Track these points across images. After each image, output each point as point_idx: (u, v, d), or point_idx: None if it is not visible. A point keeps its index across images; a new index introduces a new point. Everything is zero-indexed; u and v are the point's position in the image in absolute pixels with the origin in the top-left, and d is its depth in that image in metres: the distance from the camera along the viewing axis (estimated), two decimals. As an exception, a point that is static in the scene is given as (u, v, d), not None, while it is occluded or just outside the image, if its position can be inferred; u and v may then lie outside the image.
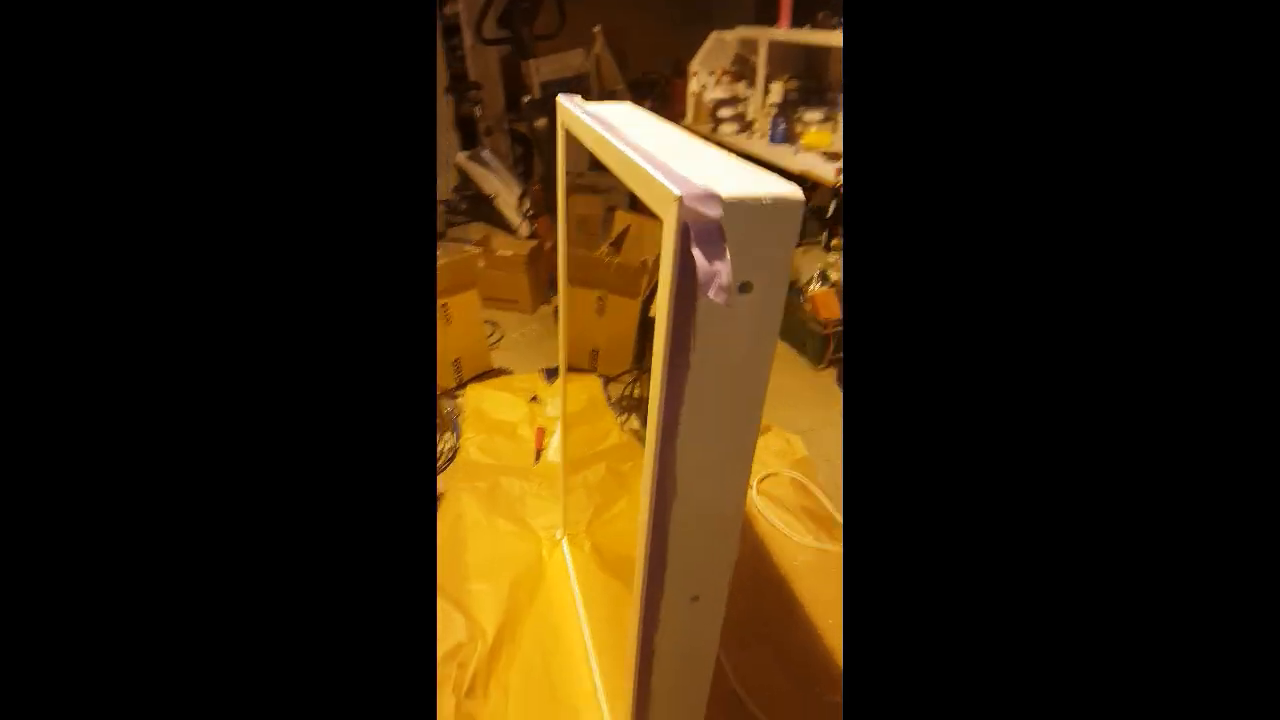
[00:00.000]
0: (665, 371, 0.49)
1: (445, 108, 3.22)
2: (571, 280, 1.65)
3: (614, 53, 3.55)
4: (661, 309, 0.48)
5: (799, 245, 2.29)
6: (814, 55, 2.50)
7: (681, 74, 2.82)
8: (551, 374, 1.78)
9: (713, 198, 0.42)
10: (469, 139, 3.28)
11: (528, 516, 1.28)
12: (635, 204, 2.19)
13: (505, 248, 2.23)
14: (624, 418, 1.63)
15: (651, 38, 3.55)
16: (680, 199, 0.42)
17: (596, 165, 2.46)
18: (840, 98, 2.31)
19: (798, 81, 2.43)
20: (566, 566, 1.17)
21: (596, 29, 3.27)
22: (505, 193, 2.90)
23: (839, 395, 1.75)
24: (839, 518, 1.32)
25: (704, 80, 2.71)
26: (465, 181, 3.14)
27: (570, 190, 2.61)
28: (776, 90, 2.45)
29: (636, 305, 1.77)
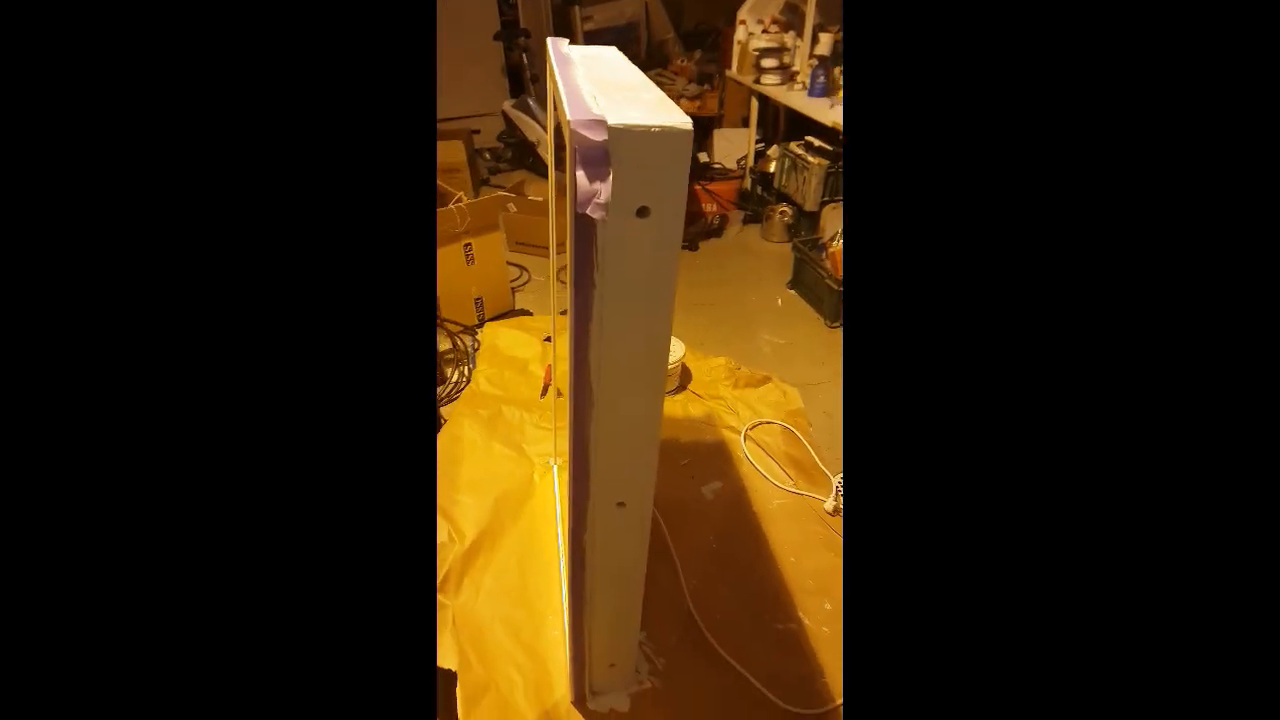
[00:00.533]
0: (573, 290, 0.54)
1: (494, 54, 3.26)
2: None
3: (668, 4, 3.47)
4: (568, 233, 0.53)
5: (827, 203, 2.25)
6: (866, 3, 2.38)
7: (733, 24, 2.75)
8: (569, 318, 1.86)
9: (598, 123, 0.46)
10: (517, 86, 3.32)
11: (524, 443, 1.38)
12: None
13: (538, 193, 2.29)
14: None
15: (707, -13, 3.45)
16: (570, 124, 0.46)
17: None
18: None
19: (846, 32, 2.33)
20: (554, 490, 1.26)
21: (647, -25, 3.20)
22: (548, 139, 2.94)
23: (848, 354, 1.75)
24: (824, 467, 1.35)
25: (751, 29, 2.64)
26: (511, 128, 3.20)
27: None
28: (825, 42, 2.36)
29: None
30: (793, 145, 2.42)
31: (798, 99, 2.30)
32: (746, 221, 2.72)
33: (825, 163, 2.24)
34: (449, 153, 2.45)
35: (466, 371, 1.64)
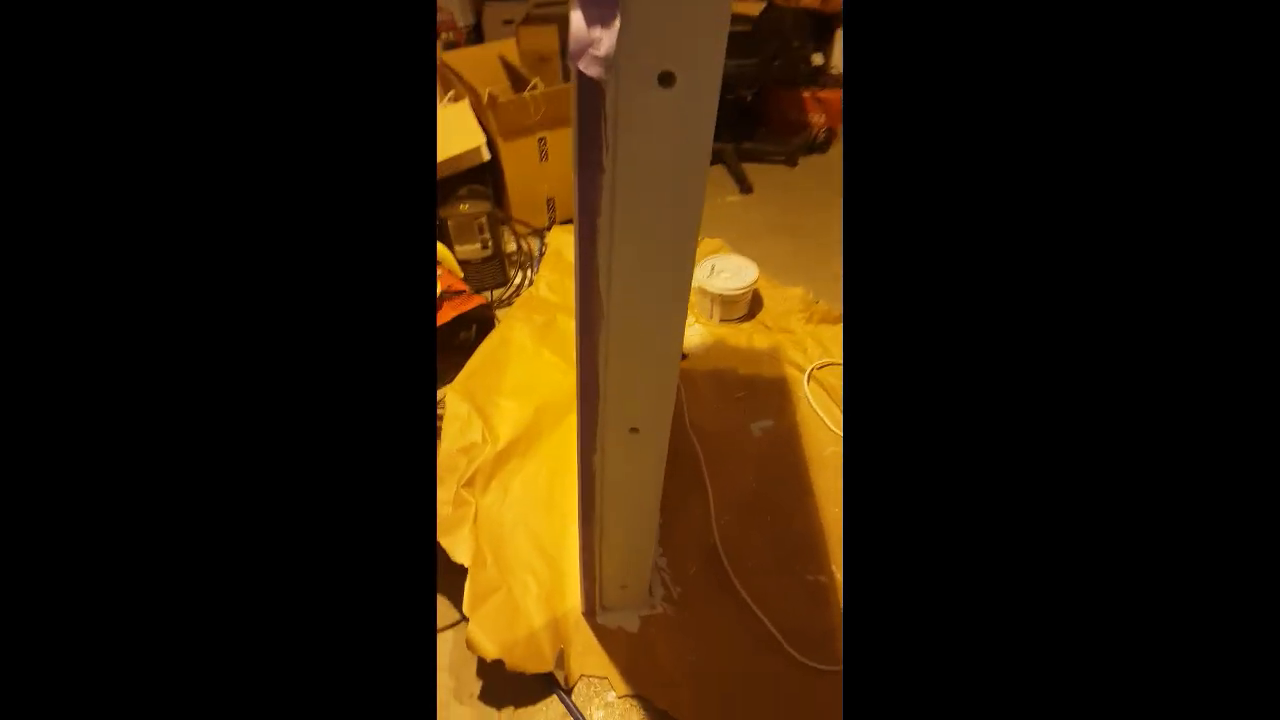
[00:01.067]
0: (578, 170, 0.46)
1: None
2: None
3: None
4: (571, 99, 0.43)
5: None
6: None
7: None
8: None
9: (605, -56, 0.35)
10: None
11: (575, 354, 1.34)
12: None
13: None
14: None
15: None
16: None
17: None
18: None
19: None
20: (596, 405, 1.22)
21: None
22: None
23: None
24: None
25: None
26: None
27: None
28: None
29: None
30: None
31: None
32: (856, 140, 2.45)
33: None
34: (539, 39, 2.31)
35: (530, 275, 1.60)
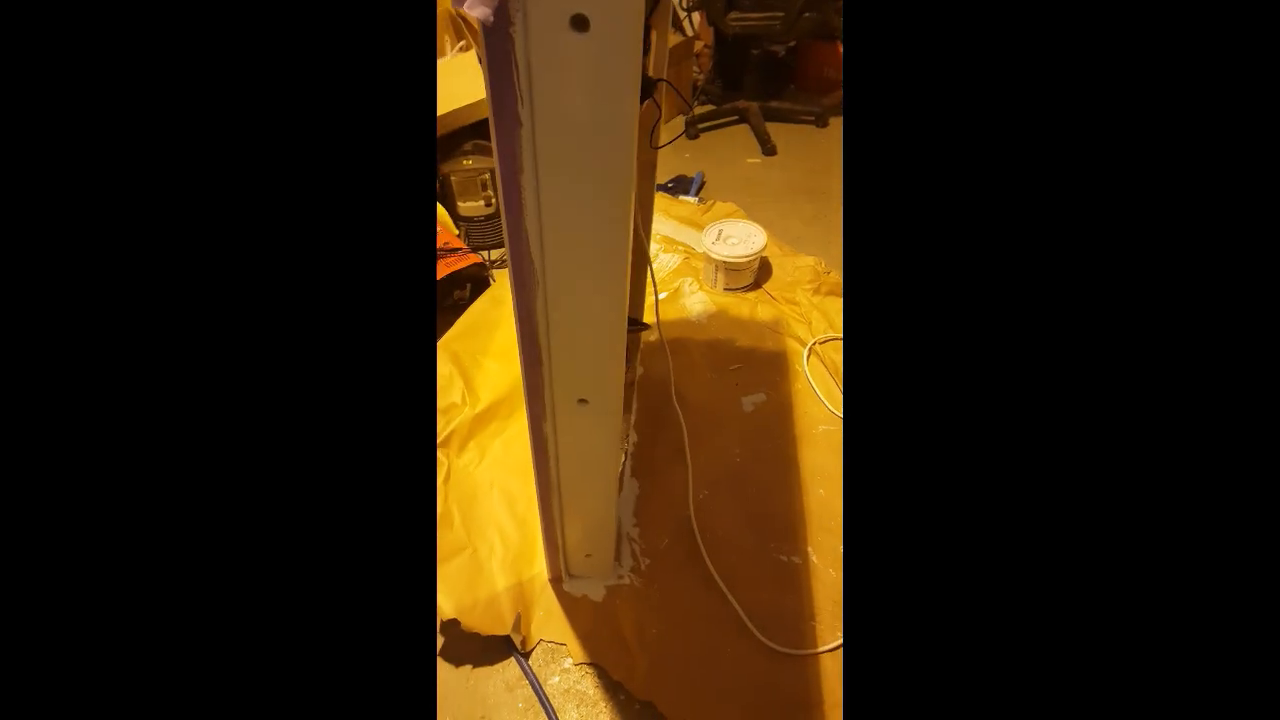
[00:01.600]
0: (494, 122, 0.42)
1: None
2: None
3: None
4: (479, 44, 0.40)
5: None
6: None
7: None
8: (660, 186, 1.70)
9: None
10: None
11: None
12: None
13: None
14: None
15: None
16: None
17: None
18: None
19: None
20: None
21: None
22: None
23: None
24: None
25: None
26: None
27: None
28: None
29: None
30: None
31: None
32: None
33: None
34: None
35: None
